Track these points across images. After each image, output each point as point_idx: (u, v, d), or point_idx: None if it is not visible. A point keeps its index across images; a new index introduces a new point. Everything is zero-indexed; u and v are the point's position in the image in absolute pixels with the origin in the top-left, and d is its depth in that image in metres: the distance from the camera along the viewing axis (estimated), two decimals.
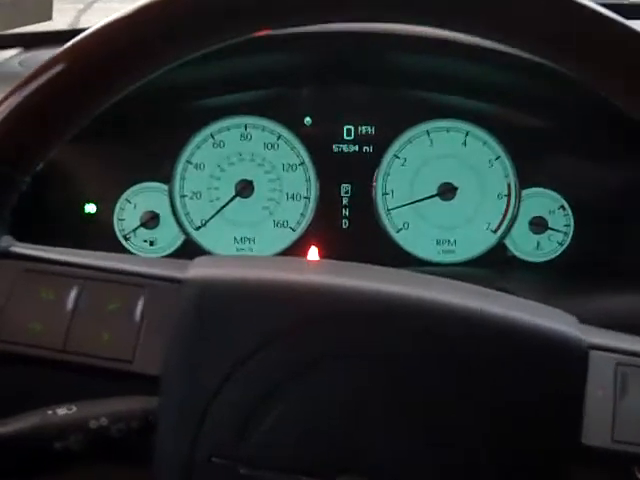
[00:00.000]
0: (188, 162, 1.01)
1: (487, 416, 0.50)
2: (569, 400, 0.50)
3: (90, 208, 1.01)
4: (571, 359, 0.51)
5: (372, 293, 0.52)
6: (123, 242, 1.01)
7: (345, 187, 1.03)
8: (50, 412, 0.51)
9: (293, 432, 0.51)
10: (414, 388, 0.51)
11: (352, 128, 1.03)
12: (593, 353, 0.52)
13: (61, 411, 0.52)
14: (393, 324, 0.51)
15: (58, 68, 0.52)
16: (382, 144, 1.03)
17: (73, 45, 0.52)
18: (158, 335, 0.52)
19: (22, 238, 0.55)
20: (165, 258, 0.59)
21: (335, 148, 1.03)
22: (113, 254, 0.56)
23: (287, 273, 0.54)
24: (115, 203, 1.01)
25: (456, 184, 1.03)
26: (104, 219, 1.01)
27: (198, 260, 0.55)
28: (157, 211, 1.02)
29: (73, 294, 0.53)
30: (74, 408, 0.52)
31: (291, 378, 0.51)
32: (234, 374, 0.50)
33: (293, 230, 1.03)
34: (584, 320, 0.56)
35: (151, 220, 1.01)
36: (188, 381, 0.51)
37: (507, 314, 0.52)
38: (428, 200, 1.03)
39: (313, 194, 1.03)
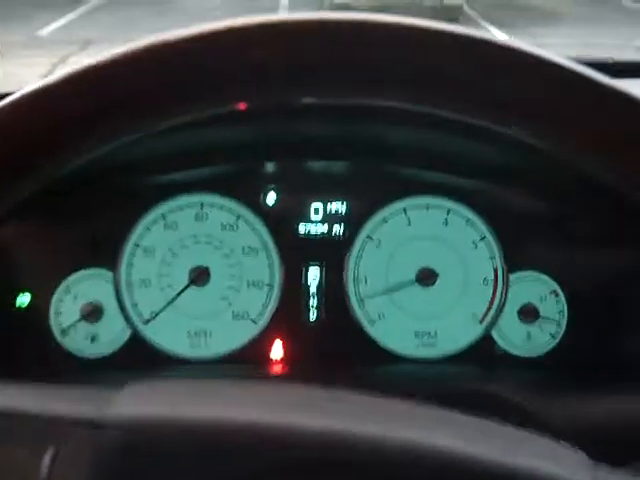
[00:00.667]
0: (136, 245, 0.90)
1: None
2: None
3: (24, 299, 0.88)
4: None
5: (338, 439, 0.42)
6: (59, 339, 0.89)
7: (313, 273, 0.92)
8: None
9: None
10: None
11: (320, 206, 0.92)
12: None
13: None
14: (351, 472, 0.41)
15: None
16: (354, 224, 0.92)
17: None
18: None
19: None
20: (77, 389, 0.47)
21: (301, 229, 0.92)
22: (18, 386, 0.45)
23: (226, 409, 0.43)
24: (52, 293, 0.89)
25: (437, 269, 0.92)
26: (39, 311, 0.88)
27: (121, 393, 0.44)
28: (100, 302, 0.90)
29: None
30: None
31: None
32: None
33: (254, 322, 0.92)
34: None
35: (93, 312, 0.89)
36: None
37: (497, 457, 0.42)
38: (406, 287, 0.92)
39: (277, 281, 0.92)
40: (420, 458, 0.42)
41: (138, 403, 0.45)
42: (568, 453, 0.46)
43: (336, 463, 0.42)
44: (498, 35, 5.90)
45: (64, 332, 0.89)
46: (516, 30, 7.71)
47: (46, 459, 0.42)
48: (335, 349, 0.90)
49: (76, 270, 0.89)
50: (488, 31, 7.49)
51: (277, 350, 0.91)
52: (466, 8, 9.14)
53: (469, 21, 8.56)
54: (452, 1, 8.71)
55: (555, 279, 0.93)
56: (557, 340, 0.93)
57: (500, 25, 8.23)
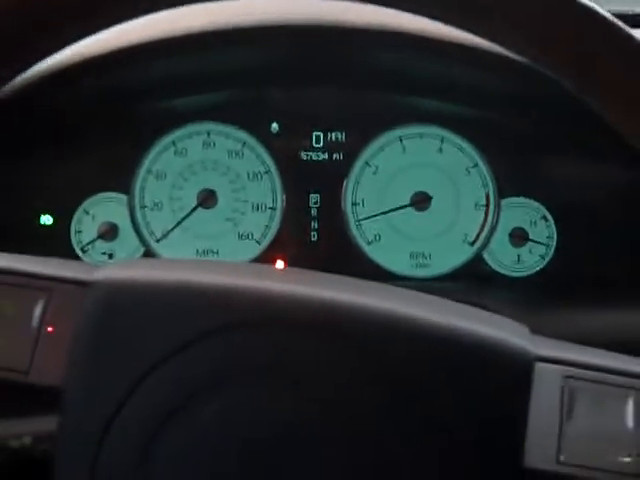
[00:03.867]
0: (149, 171, 0.97)
1: (422, 434, 0.46)
2: (511, 417, 0.46)
3: (46, 219, 0.97)
4: (514, 371, 0.47)
5: (294, 299, 0.48)
6: (81, 254, 0.97)
7: (314, 197, 0.98)
8: None
9: (203, 454, 0.46)
10: (340, 408, 0.46)
11: (321, 135, 0.98)
12: (539, 366, 0.47)
13: None
14: (317, 334, 0.47)
15: None
16: (352, 151, 0.98)
17: None
18: (59, 344, 0.48)
19: None
20: (71, 260, 0.54)
21: (303, 156, 0.98)
22: (14, 255, 0.52)
23: (202, 275, 0.49)
24: (72, 214, 0.97)
25: (431, 193, 0.97)
26: (61, 231, 0.97)
27: (108, 264, 0.51)
28: (116, 222, 0.97)
29: None
30: None
31: (200, 393, 0.46)
32: (139, 387, 0.46)
33: (258, 243, 0.98)
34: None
35: (110, 232, 0.97)
36: (89, 395, 0.47)
37: (447, 322, 0.48)
38: (401, 210, 0.97)
39: (279, 205, 0.98)
40: (371, 317, 0.48)
41: (122, 269, 0.51)
42: (511, 323, 0.51)
43: (304, 322, 0.47)
44: None
45: (84, 249, 0.97)
46: None
47: (37, 311, 0.49)
48: (334, 268, 0.95)
49: (93, 194, 0.97)
50: None
51: (286, 269, 0.98)
52: None
53: None
54: None
55: (545, 205, 0.97)
56: (546, 261, 0.97)
57: None
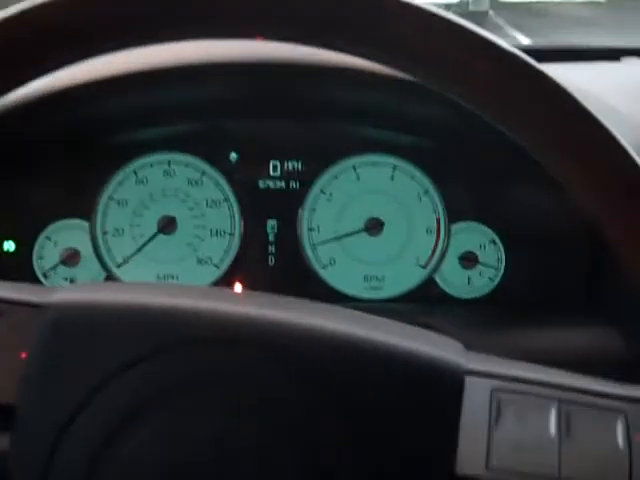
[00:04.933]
0: (110, 198, 1.00)
1: (355, 443, 0.48)
2: (443, 428, 0.49)
3: (9, 246, 0.99)
4: (446, 385, 0.50)
5: (234, 317, 0.50)
6: (43, 280, 0.99)
7: (271, 223, 1.02)
8: None
9: (150, 470, 0.48)
10: (279, 416, 0.48)
11: (278, 164, 1.02)
12: (470, 379, 0.50)
13: None
14: (255, 349, 0.49)
15: None
16: (308, 179, 1.01)
17: None
18: (11, 363, 0.50)
19: None
20: (26, 284, 0.56)
21: (261, 184, 1.02)
22: None
23: (149, 297, 0.52)
24: (35, 240, 0.99)
25: (383, 219, 1.01)
26: (23, 257, 0.99)
27: (60, 287, 0.53)
28: (78, 248, 1.00)
29: None
30: None
31: (148, 408, 0.48)
32: (88, 403, 0.48)
33: (217, 267, 1.01)
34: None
35: (72, 257, 1.00)
36: (39, 411, 0.49)
37: (382, 339, 0.50)
38: (355, 235, 1.01)
39: (237, 230, 1.01)
40: (300, 332, 0.51)
41: (75, 292, 0.54)
42: (446, 340, 0.55)
43: (242, 340, 0.50)
44: (523, 41, 5.93)
45: (46, 275, 1.00)
46: (540, 37, 7.72)
47: None
48: (290, 290, 0.98)
49: (56, 220, 1.00)
50: (514, 38, 7.49)
51: (237, 291, 1.01)
52: (492, 15, 9.19)
53: (495, 28, 8.61)
54: (477, 7, 8.78)
55: (493, 229, 1.01)
56: (495, 283, 1.01)
57: (527, 32, 8.25)
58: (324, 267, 1.01)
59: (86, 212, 1.00)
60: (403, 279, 1.02)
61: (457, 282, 1.02)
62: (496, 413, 0.49)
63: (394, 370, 0.49)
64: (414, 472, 0.48)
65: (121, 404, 0.48)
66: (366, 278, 1.02)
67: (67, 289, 0.53)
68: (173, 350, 0.49)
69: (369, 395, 0.49)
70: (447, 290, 1.02)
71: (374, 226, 1.01)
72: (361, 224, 1.01)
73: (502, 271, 1.01)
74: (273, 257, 1.02)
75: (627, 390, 0.51)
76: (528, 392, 0.50)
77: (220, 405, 0.49)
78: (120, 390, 0.48)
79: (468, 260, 1.01)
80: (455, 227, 1.01)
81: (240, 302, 0.53)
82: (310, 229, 1.01)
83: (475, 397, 0.50)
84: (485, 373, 0.51)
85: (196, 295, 0.55)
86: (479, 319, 1.00)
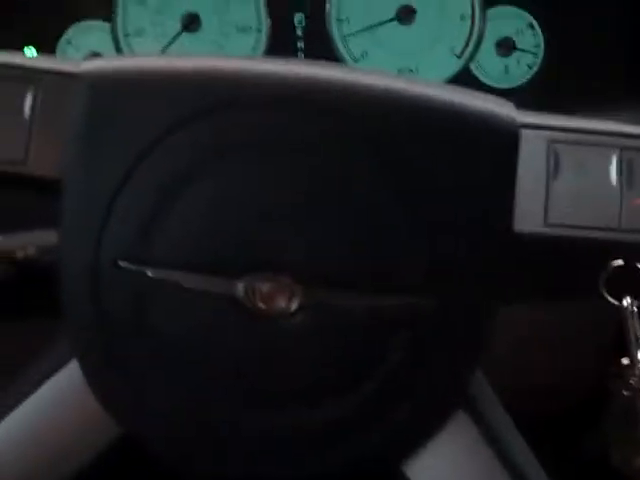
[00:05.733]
0: None
1: (411, 200, 0.47)
2: (499, 182, 0.48)
3: (30, 52, 0.95)
4: (501, 137, 0.48)
5: (279, 77, 0.48)
6: None
7: (298, 16, 0.97)
8: None
9: (198, 229, 0.48)
10: (328, 174, 0.47)
11: None
12: (525, 132, 0.48)
13: None
14: (304, 108, 0.47)
15: None
16: None
17: None
18: (53, 133, 0.49)
19: None
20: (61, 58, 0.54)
21: None
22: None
23: (190, 62, 0.50)
24: (55, 45, 0.96)
25: (415, 6, 0.96)
26: None
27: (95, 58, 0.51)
28: (100, 51, 0.96)
29: None
30: None
31: (195, 170, 0.47)
32: (136, 168, 0.47)
33: None
34: None
35: None
36: (89, 179, 0.48)
37: (432, 93, 0.48)
38: (386, 25, 0.97)
39: (264, 26, 0.97)
40: (355, 90, 0.48)
41: (111, 61, 0.52)
42: (495, 98, 0.52)
43: (284, 99, 0.48)
44: None
45: None
46: None
47: (27, 102, 0.50)
48: None
49: (75, 22, 0.96)
50: None
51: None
52: None
53: None
54: None
55: (531, 12, 0.96)
56: (534, 71, 0.97)
57: None
58: (356, 60, 0.98)
59: (106, 12, 0.96)
60: (437, 70, 0.98)
61: (494, 71, 0.98)
62: (554, 165, 0.48)
63: (447, 123, 0.48)
64: (473, 230, 0.47)
65: (168, 168, 0.47)
66: (400, 70, 0.98)
67: (103, 59, 0.51)
68: (218, 112, 0.47)
69: (422, 151, 0.47)
70: (483, 80, 0.98)
71: (406, 14, 0.96)
72: (392, 12, 0.96)
73: (541, 58, 0.97)
74: (302, 53, 0.98)
75: None
76: (587, 142, 0.48)
77: (267, 168, 0.47)
78: (165, 155, 0.47)
79: (505, 47, 0.97)
80: (491, 12, 0.96)
81: (280, 63, 0.51)
82: (339, 20, 0.97)
83: (532, 150, 0.48)
84: (541, 125, 0.49)
85: (230, 59, 0.52)
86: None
